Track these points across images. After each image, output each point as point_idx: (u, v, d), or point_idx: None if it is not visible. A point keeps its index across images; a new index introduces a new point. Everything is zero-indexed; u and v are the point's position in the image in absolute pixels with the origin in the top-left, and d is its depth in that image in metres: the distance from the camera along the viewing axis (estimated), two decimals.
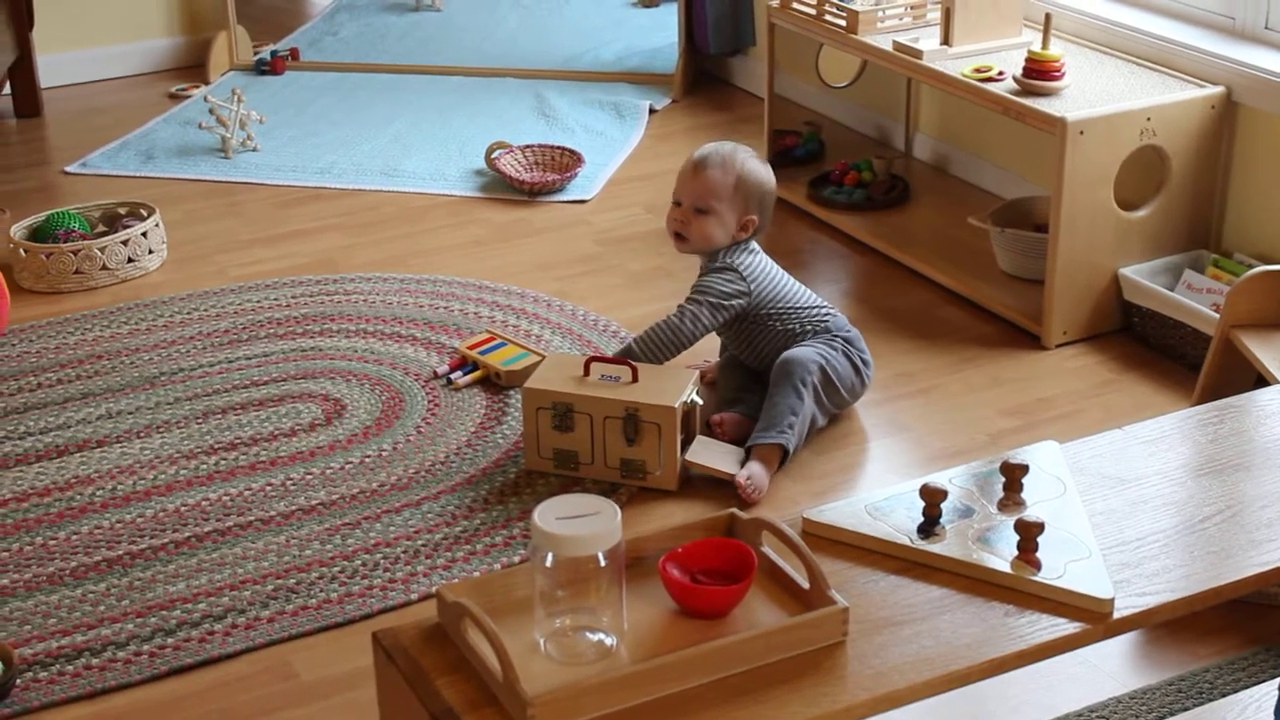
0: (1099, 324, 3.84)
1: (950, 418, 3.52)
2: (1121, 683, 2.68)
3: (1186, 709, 2.58)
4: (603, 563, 1.75)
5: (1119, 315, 3.85)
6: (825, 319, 3.47)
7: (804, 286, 3.51)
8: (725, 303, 3.39)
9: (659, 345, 3.38)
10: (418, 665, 1.78)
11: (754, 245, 3.48)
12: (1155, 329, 3.75)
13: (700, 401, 3.30)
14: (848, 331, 3.48)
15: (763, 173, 3.48)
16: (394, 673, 1.80)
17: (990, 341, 3.86)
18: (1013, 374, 3.70)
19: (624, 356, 3.36)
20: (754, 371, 3.52)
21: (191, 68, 5.98)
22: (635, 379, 3.24)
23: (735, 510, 1.97)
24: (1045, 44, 3.81)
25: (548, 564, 1.76)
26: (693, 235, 3.47)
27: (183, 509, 3.21)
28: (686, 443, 3.26)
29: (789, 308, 3.44)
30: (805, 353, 3.37)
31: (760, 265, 3.45)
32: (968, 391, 3.63)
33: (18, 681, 2.73)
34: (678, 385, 3.24)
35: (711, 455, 3.26)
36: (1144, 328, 3.79)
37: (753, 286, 3.41)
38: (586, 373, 3.26)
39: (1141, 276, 3.78)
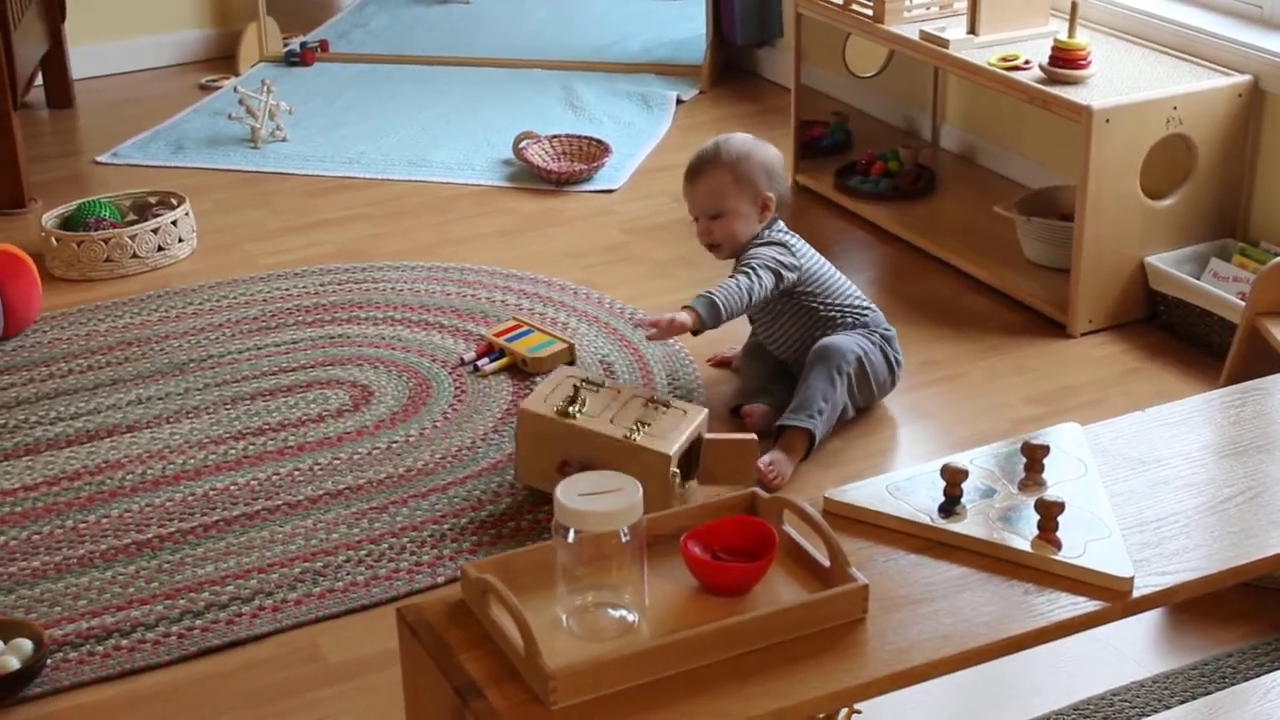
0: (1125, 312, 3.84)
1: (975, 405, 3.53)
2: (1144, 666, 2.69)
3: (1209, 693, 2.58)
4: (625, 539, 1.76)
5: (1145, 304, 3.85)
6: (865, 314, 3.47)
7: (846, 279, 3.51)
8: (781, 271, 3.35)
9: (735, 300, 3.26)
10: (441, 640, 1.79)
11: (789, 230, 3.46)
12: (1181, 317, 3.75)
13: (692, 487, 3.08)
14: (887, 329, 3.48)
15: (756, 149, 3.45)
16: (418, 648, 1.81)
17: (1016, 330, 3.86)
18: (1038, 362, 3.71)
19: (708, 306, 3.23)
20: (780, 362, 3.52)
21: (221, 59, 6.02)
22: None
23: (757, 489, 1.98)
24: (1071, 33, 3.81)
25: (570, 540, 1.77)
26: (721, 240, 3.45)
27: (211, 493, 3.24)
28: (695, 462, 3.12)
29: (831, 294, 3.43)
30: (844, 341, 3.37)
31: (804, 246, 3.45)
32: (992, 379, 3.64)
33: (48, 661, 2.75)
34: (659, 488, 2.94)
35: (724, 477, 3.12)
36: (1170, 316, 3.79)
37: (801, 261, 3.40)
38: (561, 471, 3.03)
39: (1167, 265, 3.77)
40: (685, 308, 3.27)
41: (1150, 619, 2.82)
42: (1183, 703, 2.57)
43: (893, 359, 3.46)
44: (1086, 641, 2.69)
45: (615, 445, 3.00)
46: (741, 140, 3.46)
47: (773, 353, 3.52)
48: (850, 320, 3.44)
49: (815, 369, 3.33)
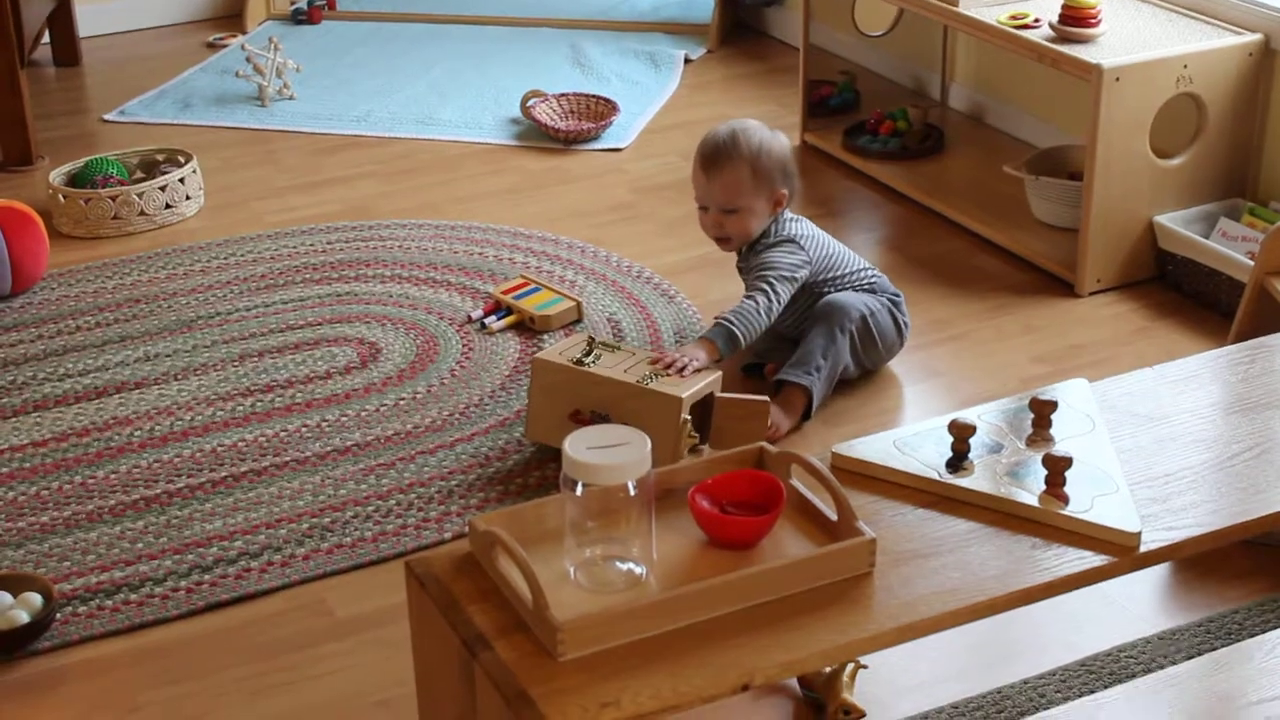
0: (1133, 272, 3.84)
1: (982, 364, 3.53)
2: (1150, 623, 2.69)
3: (1214, 649, 2.59)
4: (633, 492, 1.77)
5: (1153, 263, 3.84)
6: (872, 281, 3.45)
7: (850, 250, 3.49)
8: (795, 275, 3.31)
9: (754, 325, 3.23)
10: (449, 593, 1.80)
11: (795, 216, 3.43)
12: (1190, 277, 3.75)
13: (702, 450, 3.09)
14: (895, 294, 3.47)
15: (773, 143, 3.35)
16: (426, 600, 1.82)
17: (1024, 289, 3.86)
18: (1046, 321, 3.70)
19: (726, 336, 3.18)
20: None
21: (228, 17, 6.00)
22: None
23: (764, 444, 1.99)
24: None
25: (578, 493, 1.78)
26: (732, 235, 3.37)
27: (219, 449, 3.25)
28: (708, 424, 3.13)
29: (837, 274, 3.40)
30: (850, 298, 3.36)
31: (812, 233, 3.42)
32: (1000, 338, 3.64)
33: (57, 615, 2.77)
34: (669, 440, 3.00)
35: (734, 438, 3.09)
36: (1178, 275, 3.79)
37: (811, 254, 3.37)
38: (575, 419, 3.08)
39: (1176, 224, 3.77)
40: (702, 339, 3.21)
41: (1156, 577, 2.82)
42: (1188, 659, 2.57)
43: (900, 322, 3.45)
44: (1093, 599, 2.70)
45: (628, 390, 3.02)
46: (758, 130, 3.36)
47: (781, 332, 3.48)
48: (859, 291, 3.42)
49: (817, 326, 3.32)
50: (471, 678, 1.71)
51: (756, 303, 3.25)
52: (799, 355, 3.30)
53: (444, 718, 1.84)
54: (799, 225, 3.41)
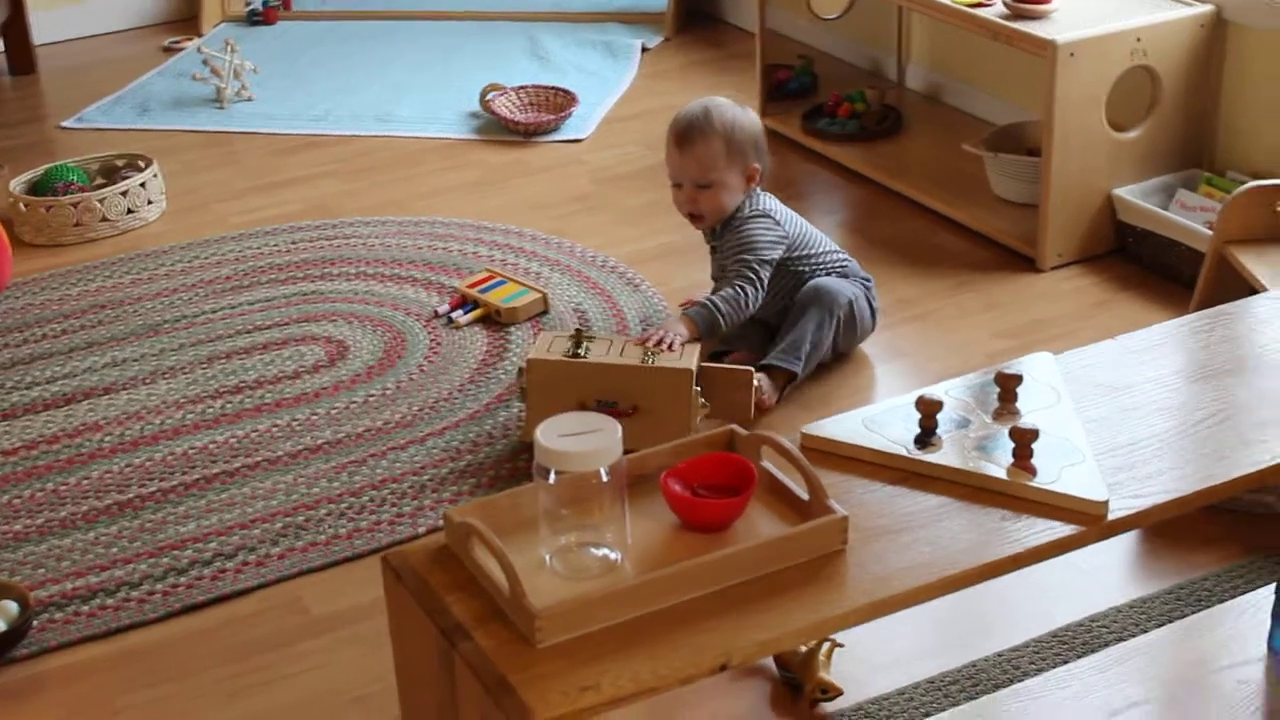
0: (1093, 245, 3.87)
1: (947, 341, 3.55)
2: (1121, 592, 2.72)
3: (1184, 616, 2.62)
4: (605, 478, 1.78)
5: (1113, 236, 3.87)
6: (843, 264, 3.47)
7: (820, 232, 3.50)
8: (774, 254, 3.33)
9: (738, 315, 3.26)
10: (426, 584, 1.81)
11: (767, 193, 3.45)
12: (1149, 248, 3.78)
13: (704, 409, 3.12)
14: (866, 278, 3.49)
15: (744, 118, 3.37)
16: (403, 593, 1.83)
17: (985, 266, 3.88)
18: (1008, 297, 3.73)
19: (709, 321, 3.22)
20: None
21: (184, 21, 5.99)
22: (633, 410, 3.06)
23: (735, 427, 2.00)
24: None
25: (551, 481, 1.79)
26: (706, 211, 3.36)
27: (191, 452, 3.25)
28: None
29: (811, 254, 3.41)
30: (840, 285, 3.38)
31: (782, 210, 3.43)
32: (963, 315, 3.66)
33: (34, 623, 2.77)
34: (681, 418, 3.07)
35: (721, 408, 3.13)
36: (1138, 248, 3.82)
37: (787, 230, 3.39)
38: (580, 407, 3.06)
39: (1135, 197, 3.79)
40: (683, 316, 3.24)
41: (1125, 546, 2.85)
42: (1159, 626, 2.60)
43: (873, 306, 3.47)
44: (1063, 569, 2.71)
45: (633, 372, 3.05)
46: (730, 106, 3.37)
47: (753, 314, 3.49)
48: (833, 274, 3.44)
49: (809, 310, 3.33)
50: (451, 667, 1.73)
51: (745, 294, 3.27)
52: (790, 340, 3.31)
53: (425, 708, 1.85)
54: (771, 200, 3.42)
